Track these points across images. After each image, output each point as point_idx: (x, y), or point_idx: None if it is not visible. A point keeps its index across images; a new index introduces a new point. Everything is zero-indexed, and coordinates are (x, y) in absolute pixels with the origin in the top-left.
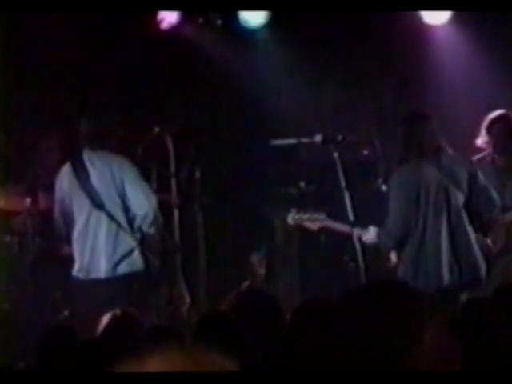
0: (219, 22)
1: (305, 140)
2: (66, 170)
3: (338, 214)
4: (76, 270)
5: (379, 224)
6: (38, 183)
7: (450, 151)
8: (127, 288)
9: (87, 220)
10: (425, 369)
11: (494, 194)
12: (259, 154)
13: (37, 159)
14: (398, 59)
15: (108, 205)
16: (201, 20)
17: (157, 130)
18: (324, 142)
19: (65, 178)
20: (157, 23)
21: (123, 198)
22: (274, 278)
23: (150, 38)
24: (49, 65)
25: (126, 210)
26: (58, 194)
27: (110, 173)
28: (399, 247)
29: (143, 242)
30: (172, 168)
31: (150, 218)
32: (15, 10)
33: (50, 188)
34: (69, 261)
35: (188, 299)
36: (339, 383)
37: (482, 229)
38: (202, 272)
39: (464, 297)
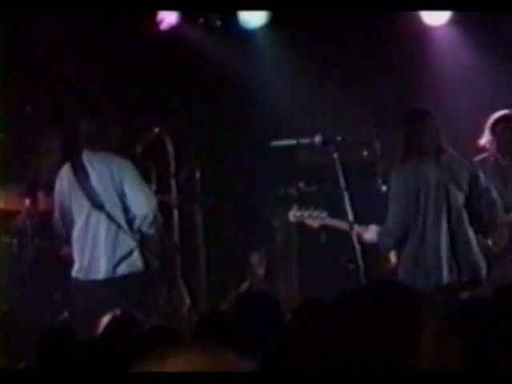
0: (219, 23)
1: (304, 141)
2: (65, 171)
3: (338, 215)
4: (76, 271)
5: (379, 224)
6: (38, 183)
7: (450, 151)
8: (127, 288)
9: (87, 221)
10: (425, 369)
11: (495, 195)
12: (259, 154)
13: (37, 159)
14: (397, 59)
15: (108, 205)
16: (201, 20)
17: (156, 130)
18: (323, 142)
19: (64, 179)
20: (156, 23)
21: (123, 198)
22: (273, 278)
23: (150, 39)
24: (49, 65)
25: (126, 210)
26: (57, 194)
27: (109, 173)
28: (399, 246)
29: (143, 242)
30: (172, 168)
31: (150, 218)
32: (15, 10)
33: (49, 188)
34: (68, 261)
35: (188, 300)
36: (339, 383)
37: (483, 229)
38: (201, 272)
39: (464, 296)
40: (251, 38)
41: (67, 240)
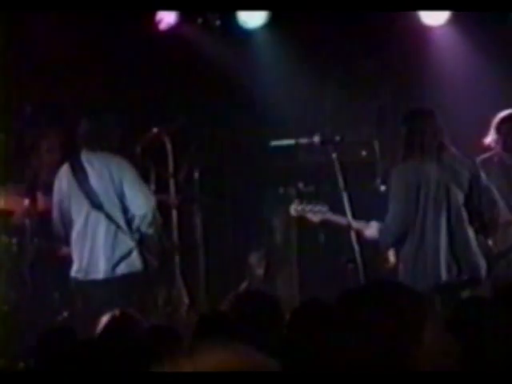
0: (218, 23)
1: (303, 141)
2: (64, 171)
3: (337, 214)
4: (75, 271)
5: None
6: (38, 183)
7: (452, 150)
8: (126, 288)
9: (86, 221)
10: (424, 369)
11: (496, 195)
12: (258, 154)
13: (36, 159)
14: (397, 59)
15: (107, 205)
16: (199, 20)
17: (155, 130)
18: (322, 142)
19: (63, 179)
20: (155, 23)
21: (122, 198)
22: (272, 278)
23: (149, 39)
24: (49, 65)
25: (125, 210)
26: (56, 194)
27: (108, 173)
28: (398, 244)
29: (142, 242)
30: (171, 168)
31: (149, 218)
32: (15, 10)
33: (49, 188)
34: (68, 261)
35: (187, 299)
36: (339, 383)
37: (483, 229)
38: (200, 272)
39: (464, 296)
40: (250, 38)
41: (66, 240)
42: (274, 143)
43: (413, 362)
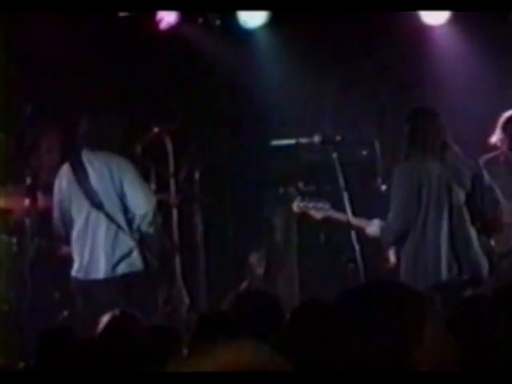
0: (218, 22)
1: (304, 140)
2: (64, 171)
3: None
4: (75, 271)
5: None
6: (38, 183)
7: (455, 149)
8: (126, 288)
9: (86, 220)
10: (424, 369)
11: (499, 195)
12: (259, 154)
13: (36, 159)
14: (397, 59)
15: (107, 205)
16: (200, 20)
17: (156, 129)
18: (323, 142)
19: (64, 179)
20: (156, 23)
21: (122, 198)
22: (273, 278)
23: (149, 39)
24: (49, 65)
25: (125, 210)
26: (56, 194)
27: (108, 173)
28: (400, 243)
29: (142, 242)
30: (171, 168)
31: (149, 217)
32: (15, 10)
33: (49, 188)
34: (68, 261)
35: (187, 299)
36: (339, 383)
37: (486, 229)
38: (201, 272)
39: (465, 295)
40: (251, 38)
41: (66, 240)
42: (275, 143)
43: (413, 362)
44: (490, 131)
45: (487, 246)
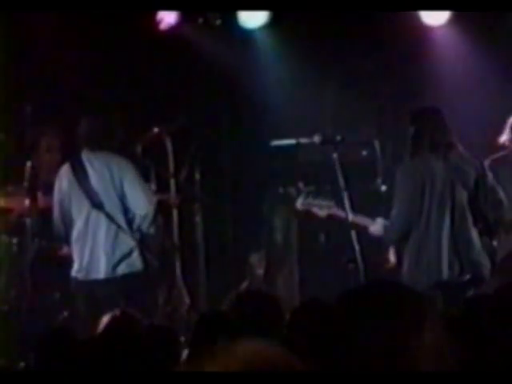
0: (218, 22)
1: (304, 140)
2: (65, 171)
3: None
4: (75, 271)
5: None
6: (38, 183)
7: (460, 149)
8: (126, 288)
9: (86, 220)
10: (424, 369)
11: (502, 196)
12: (259, 154)
13: (37, 159)
14: (397, 59)
15: (107, 205)
16: (200, 20)
17: (156, 130)
18: (323, 142)
19: (64, 179)
20: (156, 23)
21: (122, 198)
22: (273, 278)
23: (149, 39)
24: (49, 65)
25: (126, 210)
26: (57, 194)
27: (109, 173)
28: (402, 241)
29: (142, 242)
30: (171, 168)
31: (150, 218)
32: (15, 10)
33: (49, 188)
34: (68, 261)
35: (187, 299)
36: (339, 383)
37: (488, 230)
38: (201, 272)
39: (466, 295)
40: (251, 38)
41: (67, 240)
42: (275, 143)
43: (413, 362)
44: (489, 131)
45: (489, 246)
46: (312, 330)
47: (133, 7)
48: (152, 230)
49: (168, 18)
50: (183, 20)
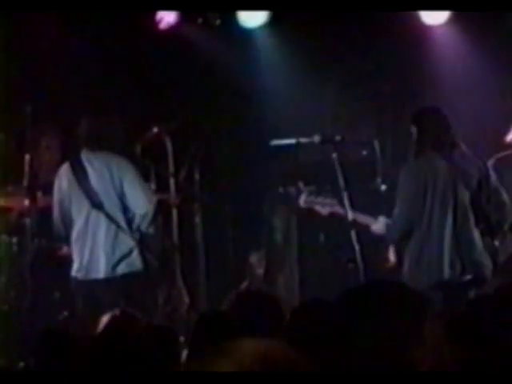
0: (218, 22)
1: (304, 140)
2: (64, 171)
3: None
4: (75, 270)
5: None
6: (38, 183)
7: (463, 149)
8: (126, 288)
9: (86, 220)
10: (424, 368)
11: (506, 197)
12: (259, 153)
13: (36, 159)
14: (397, 59)
15: (107, 205)
16: (200, 20)
17: (156, 129)
18: (323, 142)
19: (64, 179)
20: (156, 23)
21: (122, 197)
22: (273, 278)
23: (149, 38)
24: (49, 65)
25: (125, 209)
26: (56, 194)
27: (108, 173)
28: (404, 240)
29: (142, 242)
30: (171, 168)
31: (149, 217)
32: (15, 10)
33: (49, 188)
34: (68, 261)
35: (187, 299)
36: (339, 383)
37: (490, 231)
38: (200, 272)
39: (468, 295)
40: (251, 38)
41: (66, 240)
42: (274, 143)
43: (412, 361)
44: (489, 131)
45: (491, 246)
46: (312, 330)
47: (133, 7)
48: (152, 230)
49: (168, 17)
50: (183, 20)
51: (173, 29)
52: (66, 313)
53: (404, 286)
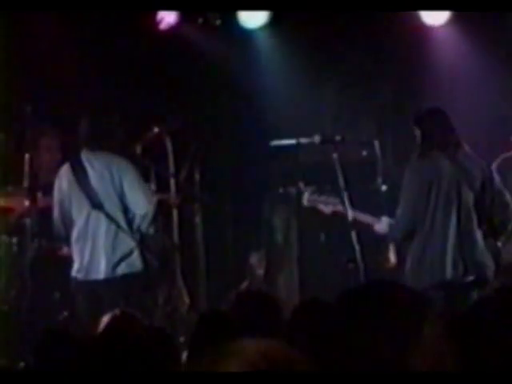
0: (218, 22)
1: (304, 140)
2: (64, 171)
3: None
4: (75, 271)
5: None
6: (38, 184)
7: (466, 149)
8: (126, 288)
9: (86, 221)
10: (423, 369)
11: (509, 198)
12: (259, 153)
13: (36, 159)
14: (398, 59)
15: (107, 205)
16: (200, 20)
17: (156, 129)
18: (323, 142)
19: (64, 179)
20: (156, 23)
21: (122, 198)
22: (273, 278)
23: (149, 38)
24: (49, 65)
25: (125, 210)
26: (56, 194)
27: (109, 173)
28: (407, 240)
29: (142, 242)
30: (171, 168)
31: (149, 218)
32: (15, 10)
33: (49, 188)
34: (68, 261)
35: (187, 299)
36: (338, 383)
37: (493, 232)
38: (201, 272)
39: (471, 296)
40: (251, 38)
41: (67, 240)
42: (275, 143)
43: (412, 361)
44: (490, 131)
45: (494, 247)
46: (312, 330)
47: (133, 7)
48: (152, 230)
49: (168, 17)
50: (183, 20)
51: (173, 29)
52: (66, 313)
53: (404, 286)
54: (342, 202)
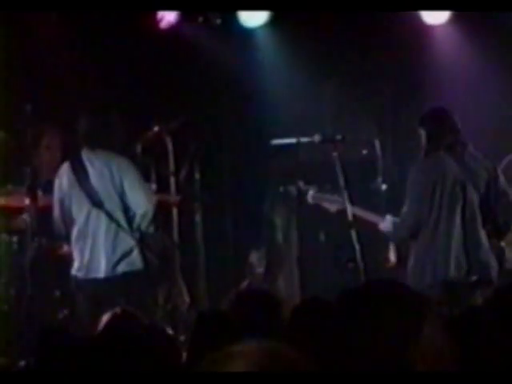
0: (218, 22)
1: (304, 140)
2: (65, 170)
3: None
4: (75, 269)
5: None
6: (38, 182)
7: (471, 149)
8: (126, 287)
9: (86, 219)
10: (423, 368)
11: None
12: (259, 153)
13: (37, 158)
14: (397, 59)
15: (107, 204)
16: (200, 19)
17: (156, 129)
18: (323, 141)
19: (64, 178)
20: (156, 23)
21: (122, 197)
22: (273, 278)
23: (150, 38)
24: (49, 64)
25: (126, 209)
26: (57, 193)
27: (109, 172)
28: (412, 239)
29: (142, 241)
30: (171, 167)
31: (149, 216)
32: (15, 10)
33: (49, 187)
34: (68, 260)
35: (187, 298)
36: (338, 383)
37: (497, 232)
38: (201, 271)
39: (474, 296)
40: (251, 38)
41: (67, 238)
42: (275, 142)
43: (412, 361)
44: (490, 131)
45: (498, 248)
46: (312, 330)
47: (133, 7)
48: (152, 229)
49: (168, 17)
50: (183, 19)
51: (173, 28)
52: (66, 312)
53: (404, 285)
54: (347, 201)
